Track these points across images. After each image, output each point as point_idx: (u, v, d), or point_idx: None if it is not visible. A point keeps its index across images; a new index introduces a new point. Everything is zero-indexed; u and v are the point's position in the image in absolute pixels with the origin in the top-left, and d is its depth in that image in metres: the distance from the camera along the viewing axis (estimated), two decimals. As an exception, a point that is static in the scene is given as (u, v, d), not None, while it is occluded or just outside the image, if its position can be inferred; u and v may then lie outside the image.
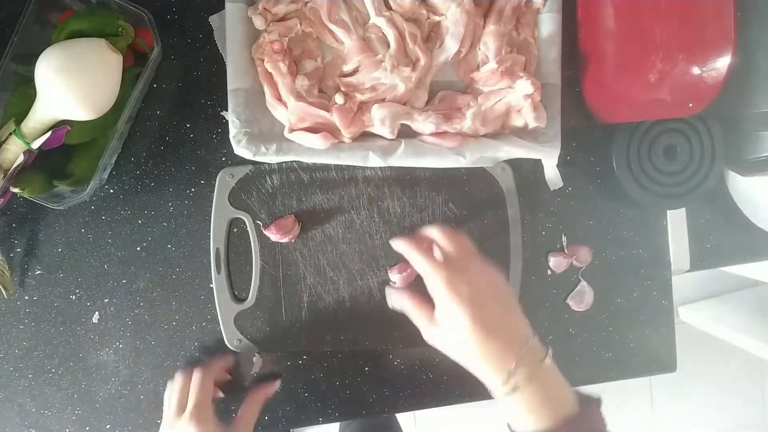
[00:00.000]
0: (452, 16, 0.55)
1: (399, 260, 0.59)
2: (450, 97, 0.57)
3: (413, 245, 0.48)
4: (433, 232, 0.49)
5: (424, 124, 0.56)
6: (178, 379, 0.55)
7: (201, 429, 0.51)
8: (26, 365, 0.57)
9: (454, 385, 0.62)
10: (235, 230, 0.58)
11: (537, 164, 0.61)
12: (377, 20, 0.54)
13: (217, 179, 0.57)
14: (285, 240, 0.57)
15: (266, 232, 0.57)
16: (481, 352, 0.43)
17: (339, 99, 0.54)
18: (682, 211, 0.67)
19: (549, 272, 0.63)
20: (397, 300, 0.49)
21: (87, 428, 0.58)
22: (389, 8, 0.55)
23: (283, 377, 0.60)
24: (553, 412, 0.43)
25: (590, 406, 0.45)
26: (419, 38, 0.55)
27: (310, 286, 0.59)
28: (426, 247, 0.49)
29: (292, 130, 0.55)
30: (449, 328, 0.45)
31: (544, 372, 0.44)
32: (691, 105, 0.54)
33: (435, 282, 0.45)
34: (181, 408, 0.52)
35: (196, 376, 0.54)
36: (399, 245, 0.50)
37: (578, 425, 0.43)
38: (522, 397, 0.43)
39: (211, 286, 0.58)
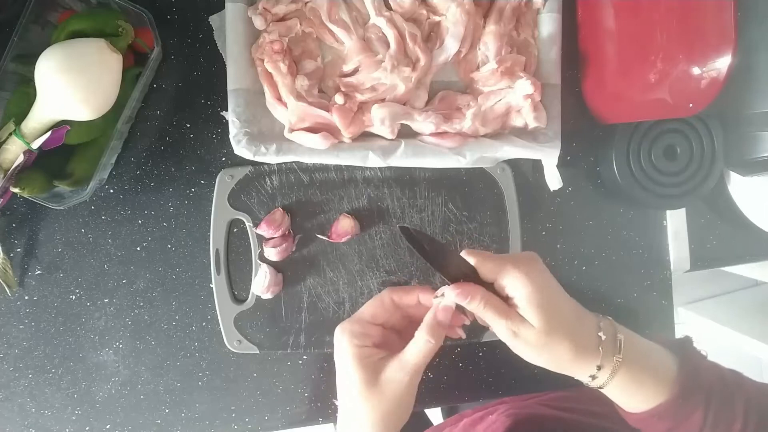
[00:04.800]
0: (452, 16, 0.55)
1: (398, 262, 0.60)
2: (450, 97, 0.57)
3: (465, 294, 0.42)
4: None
5: (424, 124, 0.56)
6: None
7: (350, 338, 0.44)
8: (26, 365, 0.57)
9: (454, 385, 0.62)
10: (234, 230, 0.58)
11: (537, 164, 0.61)
12: (377, 20, 0.54)
13: (217, 180, 0.57)
14: (278, 234, 0.57)
15: (258, 231, 0.57)
16: (562, 370, 0.43)
17: (339, 99, 0.54)
18: (682, 211, 0.67)
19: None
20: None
21: (87, 428, 0.58)
22: (389, 8, 0.55)
23: (283, 377, 0.60)
24: (656, 383, 0.42)
25: (685, 348, 0.45)
26: (419, 38, 0.55)
27: (309, 287, 0.59)
28: (479, 295, 0.43)
29: (292, 130, 0.55)
30: (524, 356, 0.43)
31: (626, 354, 0.42)
32: (691, 105, 0.54)
33: (500, 332, 0.43)
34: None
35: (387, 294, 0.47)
36: (451, 296, 0.43)
37: (686, 377, 0.43)
38: (617, 386, 0.42)
39: (210, 286, 0.58)
